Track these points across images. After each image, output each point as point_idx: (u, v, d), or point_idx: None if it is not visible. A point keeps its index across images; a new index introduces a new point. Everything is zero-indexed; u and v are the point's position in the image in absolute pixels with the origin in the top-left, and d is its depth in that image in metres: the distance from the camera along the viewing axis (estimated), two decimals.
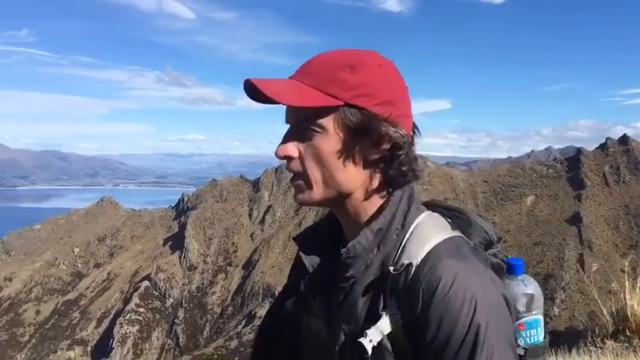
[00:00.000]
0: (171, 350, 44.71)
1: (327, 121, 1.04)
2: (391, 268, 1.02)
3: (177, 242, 59.43)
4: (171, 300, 49.44)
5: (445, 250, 1.02)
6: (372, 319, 1.01)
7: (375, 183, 1.08)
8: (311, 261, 1.19)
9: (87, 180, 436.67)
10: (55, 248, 62.50)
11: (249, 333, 36.67)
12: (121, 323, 45.39)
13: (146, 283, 50.18)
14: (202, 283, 50.59)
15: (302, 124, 1.05)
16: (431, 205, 1.20)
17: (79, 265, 60.48)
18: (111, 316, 49.58)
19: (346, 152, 1.04)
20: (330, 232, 1.21)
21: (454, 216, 1.16)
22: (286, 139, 1.08)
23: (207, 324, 47.35)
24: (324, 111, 1.04)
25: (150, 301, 48.66)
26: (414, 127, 1.12)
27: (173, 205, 73.42)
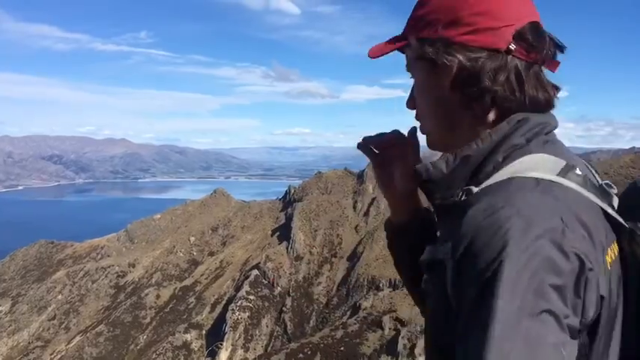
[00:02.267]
0: (280, 337, 45.93)
1: (413, 66, 1.06)
2: (457, 195, 0.93)
3: (284, 233, 60.91)
4: (279, 288, 50.77)
5: (522, 184, 0.86)
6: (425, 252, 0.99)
7: (483, 117, 0.99)
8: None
9: (201, 173, 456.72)
10: (173, 237, 66.06)
11: (355, 324, 36.83)
12: (233, 309, 47.19)
13: (256, 271, 51.80)
14: (308, 274, 51.58)
15: (410, 72, 1.08)
16: (633, 186, 1.07)
17: (195, 253, 63.40)
18: (223, 302, 51.70)
19: (429, 87, 1.03)
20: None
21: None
22: (412, 91, 1.11)
23: (314, 313, 48.21)
24: (406, 57, 1.07)
25: (259, 289, 50.28)
26: (525, 33, 0.95)
27: (280, 196, 75.24)
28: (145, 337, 51.04)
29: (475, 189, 0.90)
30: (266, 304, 49.21)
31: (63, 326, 54.85)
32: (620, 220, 0.91)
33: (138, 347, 49.87)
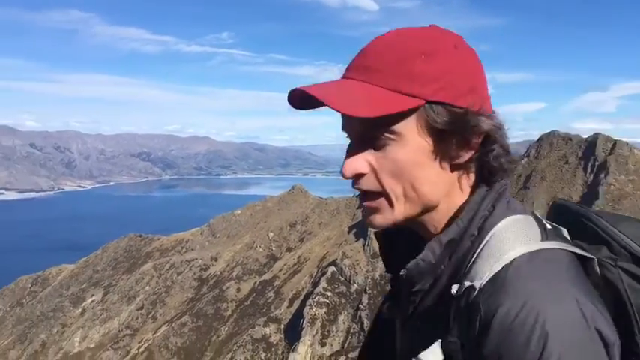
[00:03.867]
0: (356, 334, 45.83)
1: (404, 126, 0.83)
2: (454, 288, 0.84)
3: (361, 230, 60.70)
4: (355, 285, 50.71)
5: (520, 268, 0.79)
6: (432, 339, 0.86)
7: (465, 187, 0.91)
8: (390, 261, 1.10)
9: (280, 170, 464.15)
10: (253, 232, 67.43)
11: None
12: (311, 305, 47.55)
13: (332, 268, 51.97)
14: (385, 271, 51.04)
15: (371, 133, 0.85)
16: (556, 207, 1.02)
17: (273, 249, 64.32)
18: (301, 297, 52.18)
19: (430, 158, 0.86)
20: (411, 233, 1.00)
21: (575, 221, 0.94)
22: (352, 152, 0.89)
23: None
24: (401, 115, 0.82)
25: (336, 286, 50.43)
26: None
27: (357, 194, 74.92)
28: (226, 328, 52.35)
29: (477, 285, 0.81)
30: (343, 300, 49.27)
31: (150, 316, 57.31)
32: (588, 254, 0.86)
33: (219, 338, 51.35)
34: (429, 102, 0.82)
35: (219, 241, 68.15)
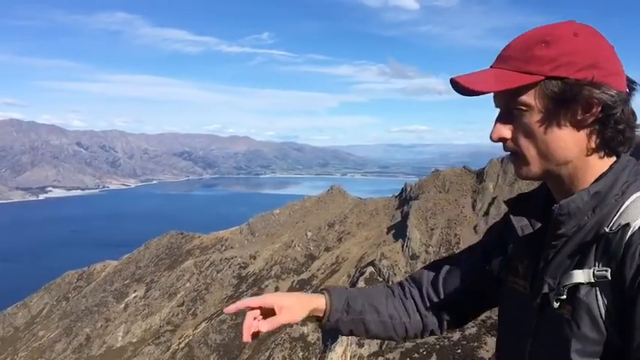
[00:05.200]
0: None
1: (529, 98, 1.09)
2: (606, 228, 1.05)
3: (399, 231, 60.30)
4: None
5: None
6: (573, 275, 1.06)
7: (592, 146, 1.12)
8: (519, 223, 1.24)
9: (318, 169, 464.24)
10: (292, 231, 67.71)
11: (473, 327, 35.69)
12: None
13: (371, 268, 51.76)
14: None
15: (509, 106, 1.13)
16: None
17: (312, 248, 64.46)
18: None
19: (554, 123, 1.09)
20: (543, 200, 1.26)
21: None
22: (498, 121, 1.16)
23: None
24: (525, 89, 1.09)
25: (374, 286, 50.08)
26: (631, 82, 1.13)
27: (396, 194, 74.49)
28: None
29: (632, 224, 1.02)
30: None
31: (190, 312, 58.22)
32: None
33: (258, 337, 51.69)
34: (548, 77, 1.07)
35: (258, 239, 68.67)
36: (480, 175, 65.91)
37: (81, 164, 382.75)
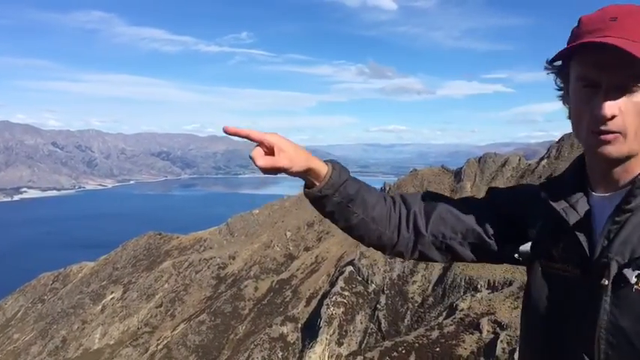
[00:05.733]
0: (374, 334, 45.70)
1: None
2: None
3: None
4: (373, 286, 50.57)
5: None
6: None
7: None
8: (561, 206, 1.23)
9: None
10: (271, 231, 67.55)
11: (451, 325, 35.97)
12: (328, 304, 47.51)
13: (350, 267, 51.86)
14: (403, 272, 50.89)
15: (627, 81, 1.09)
16: None
17: (291, 248, 64.39)
18: (318, 297, 52.14)
19: None
20: (578, 183, 1.26)
21: None
22: (608, 97, 1.10)
23: (408, 312, 47.58)
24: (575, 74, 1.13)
25: (354, 286, 50.33)
26: None
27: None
28: (243, 327, 52.50)
29: None
30: (360, 300, 49.17)
31: (169, 314, 57.72)
32: None
33: (237, 337, 51.55)
34: None
35: (237, 240, 68.39)
36: (457, 175, 66.50)
37: (57, 164, 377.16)
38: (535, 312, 1.29)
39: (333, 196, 1.45)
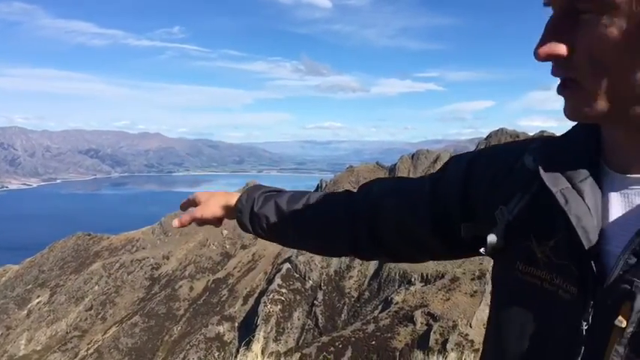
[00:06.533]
0: (311, 330, 46.07)
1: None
2: None
3: None
4: (310, 282, 50.94)
5: None
6: None
7: None
8: (557, 185, 0.73)
9: (234, 166, 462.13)
10: (206, 230, 66.74)
11: (386, 318, 36.73)
12: (265, 302, 47.54)
13: (287, 265, 52.05)
14: (340, 267, 51.53)
15: (579, 3, 0.64)
16: None
17: (227, 246, 63.99)
18: (256, 295, 52.13)
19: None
20: (586, 153, 0.76)
21: None
22: (549, 31, 0.67)
23: (345, 307, 48.25)
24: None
25: (291, 282, 50.54)
26: None
27: (312, 190, 75.32)
28: (178, 328, 51.81)
29: None
30: (297, 297, 49.41)
31: (99, 317, 56.12)
32: None
33: (172, 338, 50.71)
34: None
35: (171, 239, 67.22)
36: (392, 171, 67.97)
37: None
38: (506, 339, 0.79)
39: (245, 211, 1.36)
